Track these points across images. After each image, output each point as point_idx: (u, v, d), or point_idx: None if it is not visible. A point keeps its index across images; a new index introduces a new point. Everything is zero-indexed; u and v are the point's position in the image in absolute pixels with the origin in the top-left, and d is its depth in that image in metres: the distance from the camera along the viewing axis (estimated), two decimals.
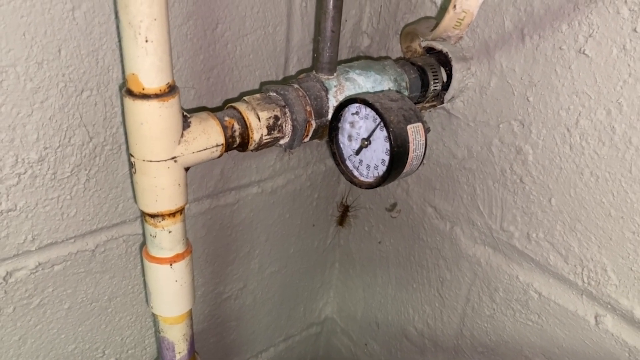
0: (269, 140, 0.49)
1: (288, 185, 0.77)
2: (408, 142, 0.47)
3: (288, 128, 0.50)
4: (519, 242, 0.62)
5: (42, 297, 0.59)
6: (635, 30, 0.45)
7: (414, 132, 0.47)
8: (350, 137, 0.52)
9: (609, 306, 0.55)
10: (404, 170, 0.49)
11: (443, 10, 0.59)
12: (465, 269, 0.70)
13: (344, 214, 0.87)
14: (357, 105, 0.49)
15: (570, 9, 0.49)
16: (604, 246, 0.54)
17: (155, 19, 0.38)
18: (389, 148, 0.47)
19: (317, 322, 1.02)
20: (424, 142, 0.49)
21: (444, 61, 0.58)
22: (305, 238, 0.86)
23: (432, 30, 0.54)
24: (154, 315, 0.54)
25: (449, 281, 0.73)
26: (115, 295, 0.65)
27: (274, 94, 0.50)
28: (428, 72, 0.56)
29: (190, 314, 0.55)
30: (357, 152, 0.52)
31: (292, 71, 0.66)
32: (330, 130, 0.53)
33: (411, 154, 0.48)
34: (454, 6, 0.48)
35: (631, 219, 0.51)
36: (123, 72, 0.51)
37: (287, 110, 0.50)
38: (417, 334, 0.82)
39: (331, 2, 0.48)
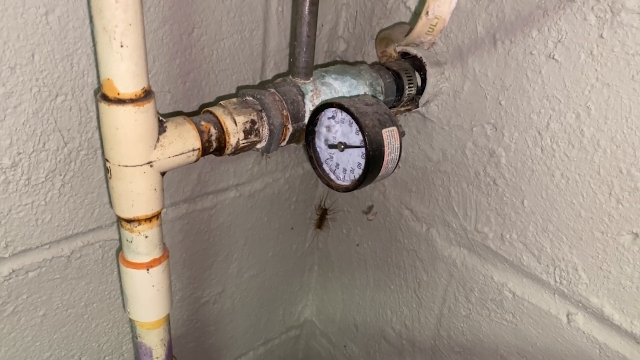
0: (245, 144, 0.50)
1: (266, 189, 0.77)
2: (383, 146, 0.48)
3: (265, 132, 0.51)
4: (493, 243, 0.63)
5: (16, 304, 0.58)
6: (601, 36, 0.47)
7: (389, 136, 0.48)
8: (326, 141, 0.53)
9: (580, 304, 0.57)
10: (380, 174, 0.50)
11: (417, 15, 0.60)
12: (441, 270, 0.71)
13: (322, 217, 0.87)
14: (333, 109, 0.50)
15: (540, 15, 0.50)
16: (574, 246, 0.55)
17: (130, 24, 0.38)
18: (364, 152, 0.48)
19: (296, 325, 1.02)
20: (398, 145, 0.49)
21: (419, 66, 0.59)
22: (284, 241, 0.86)
23: (405, 35, 0.55)
24: (131, 320, 0.54)
25: (425, 282, 0.74)
26: (91, 301, 0.65)
27: (251, 98, 0.51)
28: (403, 77, 0.57)
29: (167, 319, 0.55)
30: (330, 147, 0.52)
31: (268, 75, 0.66)
32: (307, 134, 0.53)
33: (386, 158, 0.48)
34: (427, 12, 0.48)
35: (600, 220, 0.52)
36: (98, 76, 0.50)
37: (263, 114, 0.50)
38: (395, 335, 0.83)
39: (306, 8, 0.49)
